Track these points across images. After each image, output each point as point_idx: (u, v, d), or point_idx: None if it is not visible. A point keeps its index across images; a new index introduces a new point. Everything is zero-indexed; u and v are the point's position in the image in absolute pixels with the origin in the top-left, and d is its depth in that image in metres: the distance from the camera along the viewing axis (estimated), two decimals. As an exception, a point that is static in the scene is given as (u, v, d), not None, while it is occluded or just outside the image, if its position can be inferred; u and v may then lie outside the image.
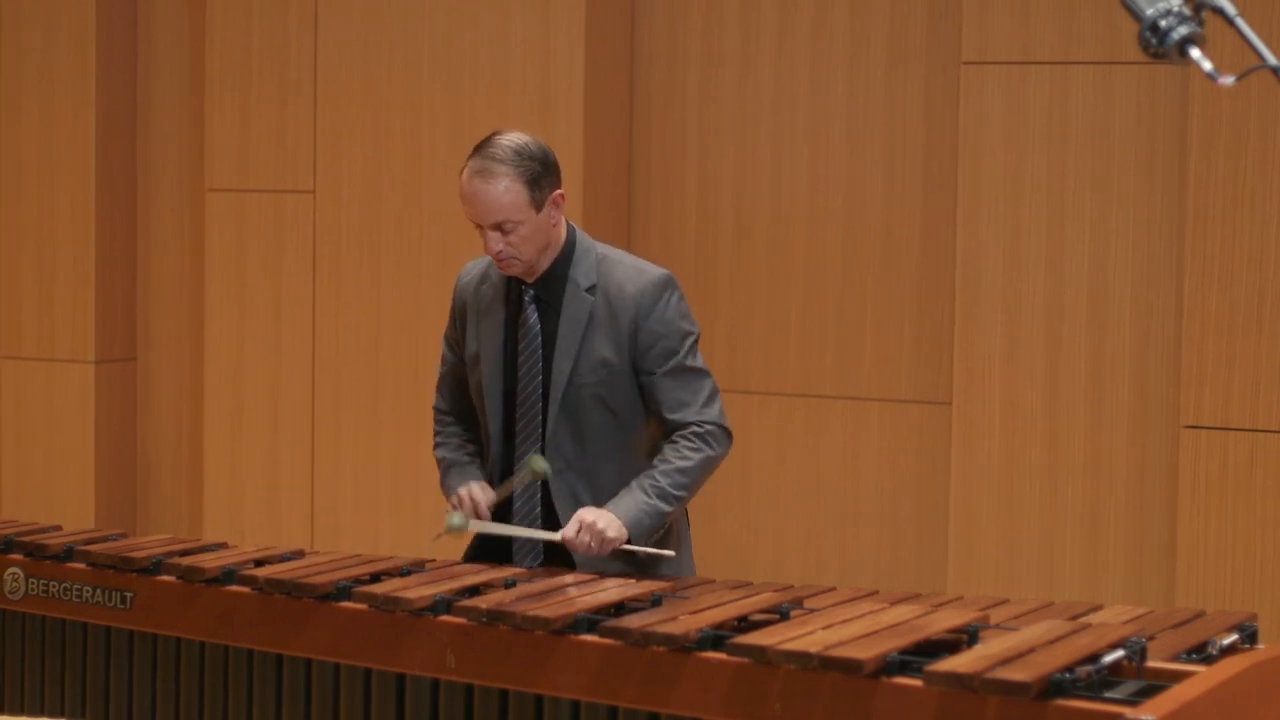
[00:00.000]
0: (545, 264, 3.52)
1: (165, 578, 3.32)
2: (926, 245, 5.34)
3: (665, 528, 3.50)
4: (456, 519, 3.47)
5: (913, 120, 5.36)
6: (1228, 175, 4.74)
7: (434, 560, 3.49)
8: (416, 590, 3.07)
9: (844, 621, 2.80)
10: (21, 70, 6.20)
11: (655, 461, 3.48)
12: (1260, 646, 2.88)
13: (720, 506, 5.51)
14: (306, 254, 5.84)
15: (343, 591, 3.13)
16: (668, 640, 2.73)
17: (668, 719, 2.72)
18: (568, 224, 3.57)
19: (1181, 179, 4.91)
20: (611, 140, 5.60)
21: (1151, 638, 2.75)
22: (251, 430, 5.95)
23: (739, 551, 5.56)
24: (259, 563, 3.37)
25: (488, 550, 3.59)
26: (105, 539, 3.57)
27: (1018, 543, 5.11)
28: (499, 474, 3.60)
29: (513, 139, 3.45)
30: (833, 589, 3.24)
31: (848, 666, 2.54)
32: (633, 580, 3.25)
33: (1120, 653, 2.57)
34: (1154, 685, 2.50)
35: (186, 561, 3.33)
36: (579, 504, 3.48)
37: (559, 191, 3.50)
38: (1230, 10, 2.41)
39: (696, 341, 3.56)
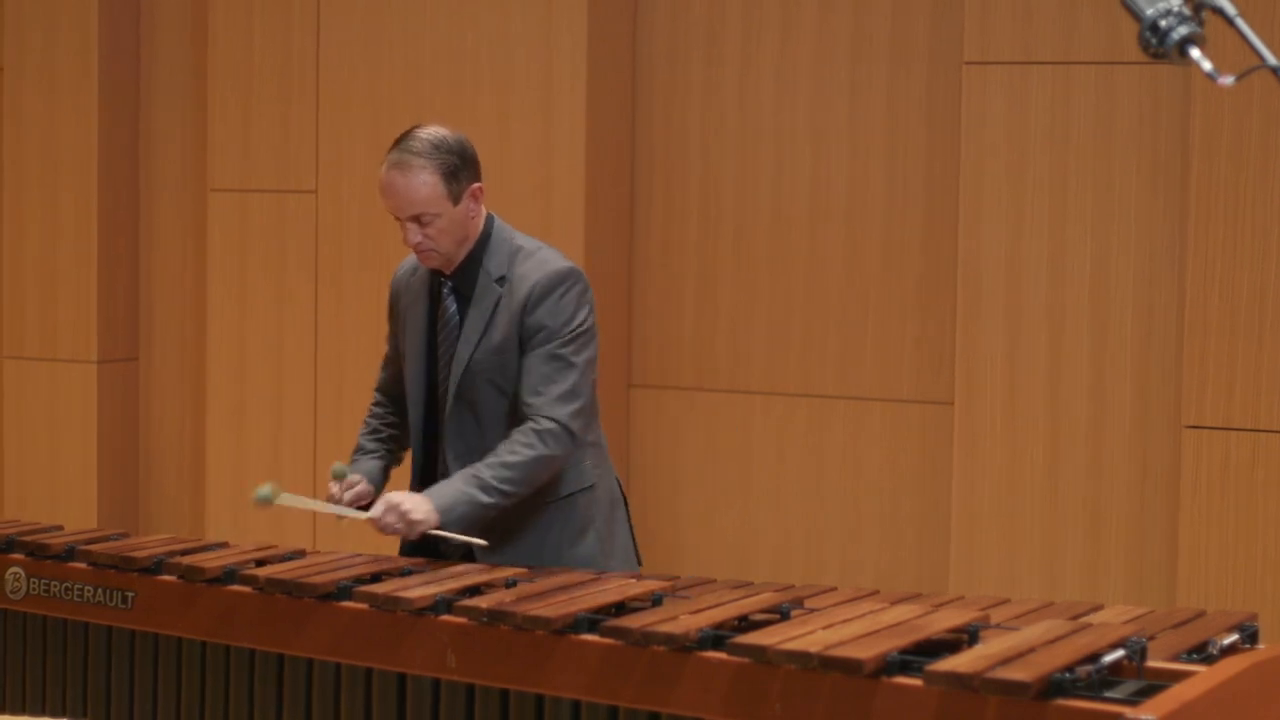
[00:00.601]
0: (462, 256, 3.57)
1: (166, 577, 3.32)
2: (928, 245, 5.34)
3: (489, 518, 3.44)
4: (265, 489, 3.52)
5: (914, 120, 5.36)
6: (1229, 175, 4.74)
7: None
8: (417, 590, 3.07)
9: (844, 621, 2.80)
10: (24, 70, 6.20)
11: (492, 452, 3.49)
12: (1260, 646, 2.88)
13: (721, 506, 5.51)
14: (309, 254, 5.84)
15: (344, 591, 3.13)
16: (668, 640, 2.74)
17: (668, 719, 2.72)
18: (487, 215, 3.61)
19: (1183, 179, 4.91)
20: (613, 140, 5.60)
21: (1152, 637, 2.74)
22: (253, 430, 5.96)
23: (739, 551, 5.56)
24: (260, 562, 3.37)
25: (420, 549, 3.57)
26: (106, 539, 3.57)
27: (1019, 543, 5.11)
28: (417, 467, 3.67)
29: (431, 132, 3.50)
30: (833, 589, 3.24)
31: (848, 666, 2.54)
32: (633, 580, 3.25)
33: (1120, 652, 2.57)
34: (1154, 685, 2.49)
35: (187, 561, 3.33)
36: None
37: (478, 184, 3.55)
38: (1230, 10, 2.41)
39: (583, 338, 3.53)
